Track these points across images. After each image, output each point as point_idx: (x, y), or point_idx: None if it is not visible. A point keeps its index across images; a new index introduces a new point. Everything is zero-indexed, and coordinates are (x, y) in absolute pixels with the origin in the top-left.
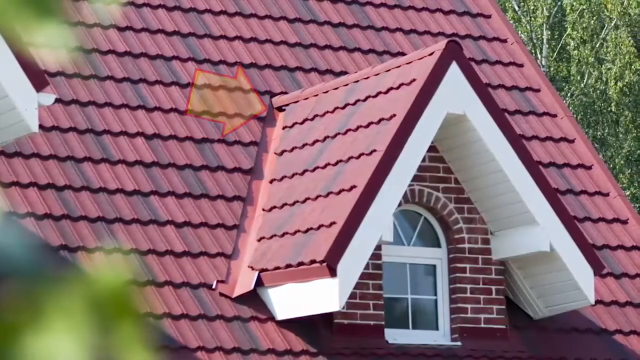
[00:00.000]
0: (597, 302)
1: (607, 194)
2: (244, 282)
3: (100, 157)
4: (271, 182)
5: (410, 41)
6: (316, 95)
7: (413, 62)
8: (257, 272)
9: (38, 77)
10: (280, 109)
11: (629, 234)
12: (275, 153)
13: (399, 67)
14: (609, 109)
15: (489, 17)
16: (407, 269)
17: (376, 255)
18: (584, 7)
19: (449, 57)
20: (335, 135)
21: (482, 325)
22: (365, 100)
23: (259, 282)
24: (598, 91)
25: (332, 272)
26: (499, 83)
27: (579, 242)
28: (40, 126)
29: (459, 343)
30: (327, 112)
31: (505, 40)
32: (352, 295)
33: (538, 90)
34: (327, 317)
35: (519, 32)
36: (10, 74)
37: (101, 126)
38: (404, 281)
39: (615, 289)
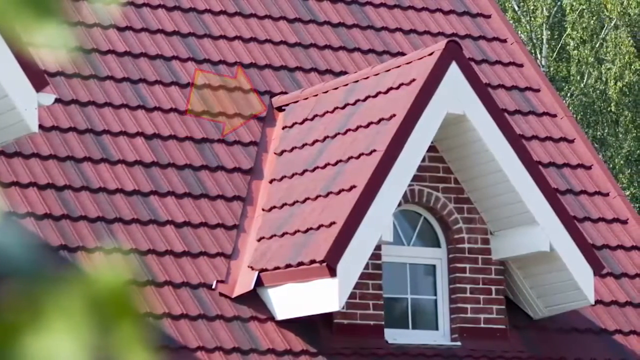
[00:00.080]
0: (597, 302)
1: (607, 194)
2: (243, 282)
3: (100, 157)
4: (271, 182)
5: (410, 41)
6: (316, 95)
7: (413, 62)
8: (256, 272)
9: (38, 77)
10: (280, 109)
11: (629, 234)
12: (275, 153)
13: (398, 67)
14: (608, 109)
15: (488, 17)
16: (407, 269)
17: (376, 255)
18: (584, 7)
19: (448, 57)
20: (335, 135)
21: (482, 325)
22: (365, 100)
23: (259, 282)
24: (598, 91)
25: (332, 272)
26: (499, 83)
27: (578, 242)
28: (40, 126)
29: (458, 343)
30: (327, 112)
31: (505, 40)
32: (352, 295)
33: (538, 90)
34: (327, 317)
35: (519, 32)
36: (10, 74)
37: (101, 126)
38: (404, 281)
39: (615, 289)
